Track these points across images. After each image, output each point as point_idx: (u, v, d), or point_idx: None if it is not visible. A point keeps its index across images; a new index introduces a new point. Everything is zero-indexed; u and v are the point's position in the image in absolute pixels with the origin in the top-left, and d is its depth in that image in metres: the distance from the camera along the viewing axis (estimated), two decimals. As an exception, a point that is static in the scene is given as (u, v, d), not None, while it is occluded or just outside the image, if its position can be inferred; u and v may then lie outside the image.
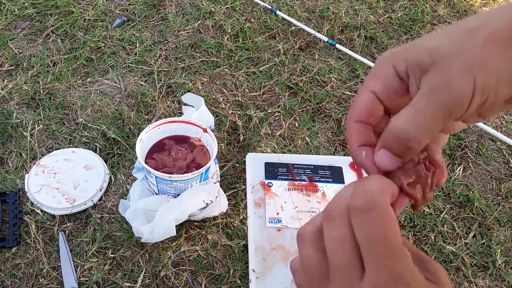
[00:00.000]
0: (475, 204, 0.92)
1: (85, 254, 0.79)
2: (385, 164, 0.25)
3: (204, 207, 0.79)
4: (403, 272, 0.22)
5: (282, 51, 1.22)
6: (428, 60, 0.23)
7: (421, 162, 0.26)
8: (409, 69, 0.25)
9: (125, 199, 0.84)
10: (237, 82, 1.12)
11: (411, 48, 0.25)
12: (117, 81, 1.11)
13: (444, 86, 0.22)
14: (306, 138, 1.01)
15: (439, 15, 1.42)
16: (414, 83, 0.24)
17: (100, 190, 0.87)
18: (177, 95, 1.07)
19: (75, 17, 1.25)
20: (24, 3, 1.28)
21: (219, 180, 0.84)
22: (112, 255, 0.79)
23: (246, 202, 0.87)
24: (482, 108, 0.23)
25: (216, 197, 0.80)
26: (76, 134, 0.98)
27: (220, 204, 0.83)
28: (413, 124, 0.23)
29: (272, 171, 0.92)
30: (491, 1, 1.51)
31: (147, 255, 0.80)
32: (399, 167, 0.26)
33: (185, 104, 0.96)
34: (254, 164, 0.93)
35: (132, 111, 1.03)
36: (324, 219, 0.25)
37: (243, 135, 1.00)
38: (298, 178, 0.91)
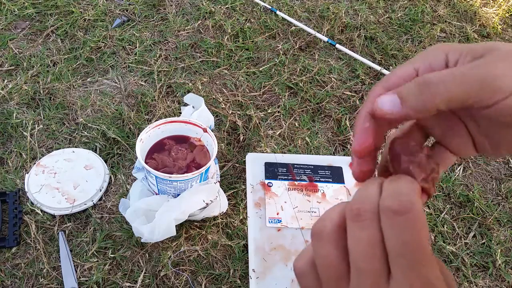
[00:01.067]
0: (475, 204, 0.92)
1: (85, 254, 0.79)
2: (382, 105, 0.24)
3: (204, 207, 0.79)
4: (435, 281, 0.21)
5: (282, 51, 1.22)
6: (483, 52, 0.23)
7: (430, 156, 0.24)
8: (461, 57, 0.23)
9: (125, 198, 0.84)
10: (237, 82, 1.12)
11: (472, 44, 0.24)
12: (117, 81, 1.11)
13: (486, 68, 0.21)
14: (306, 138, 1.01)
15: (439, 15, 1.42)
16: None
17: (100, 190, 0.87)
18: (177, 95, 1.07)
19: (75, 17, 1.25)
20: (24, 3, 1.28)
21: (219, 180, 0.84)
22: (112, 255, 0.79)
23: (246, 202, 0.87)
24: (506, 115, 0.22)
25: (216, 197, 0.80)
26: (76, 134, 0.98)
27: (220, 204, 0.83)
28: (442, 82, 0.22)
29: (272, 171, 0.92)
30: (491, 1, 1.51)
31: (147, 255, 0.80)
32: (411, 161, 0.24)
33: (185, 104, 0.96)
34: (254, 164, 0.93)
35: (132, 111, 1.03)
36: (351, 218, 0.23)
37: (243, 135, 1.00)
38: (298, 178, 0.91)
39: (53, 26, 1.23)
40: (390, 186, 0.23)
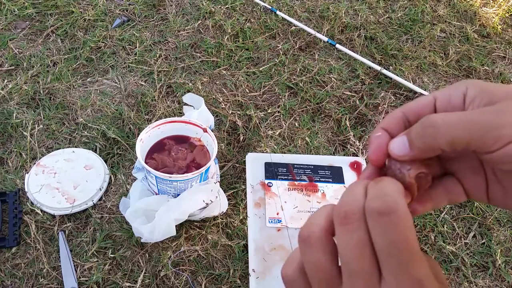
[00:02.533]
0: (475, 204, 0.92)
1: (85, 254, 0.79)
2: (393, 149, 0.25)
3: (204, 207, 0.79)
4: (424, 279, 0.22)
5: (282, 51, 1.22)
6: (502, 96, 0.23)
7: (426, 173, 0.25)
8: (477, 98, 0.24)
9: (126, 197, 0.84)
10: (237, 82, 1.12)
11: (495, 84, 0.24)
12: (117, 81, 1.11)
13: (494, 115, 0.22)
14: (306, 138, 1.01)
15: (439, 15, 1.42)
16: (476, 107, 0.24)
17: (100, 190, 0.87)
18: (177, 95, 1.07)
19: (75, 17, 1.25)
20: (24, 3, 1.28)
21: (219, 180, 0.84)
22: (112, 255, 0.79)
23: (246, 202, 0.87)
24: (507, 162, 0.22)
25: (216, 197, 0.80)
26: (76, 134, 0.97)
27: (220, 204, 0.83)
28: (446, 124, 0.23)
29: (272, 171, 0.92)
30: (491, 1, 1.51)
31: (147, 255, 0.80)
32: (402, 166, 0.25)
33: (186, 104, 0.96)
34: (254, 164, 0.93)
35: (132, 111, 1.03)
36: (339, 222, 0.23)
37: (243, 135, 1.00)
38: (298, 178, 0.91)
39: (53, 26, 1.23)
40: (374, 188, 0.23)
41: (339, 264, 0.24)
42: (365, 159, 0.97)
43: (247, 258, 0.79)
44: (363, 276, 0.22)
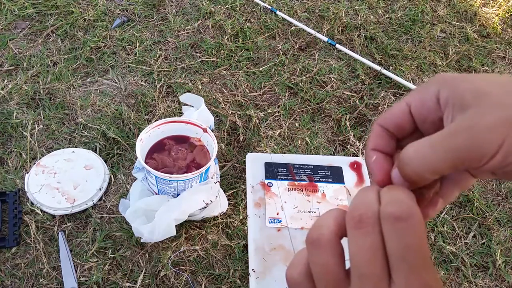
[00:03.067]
0: (475, 204, 0.92)
1: (85, 254, 0.79)
2: (394, 179, 0.25)
3: (204, 207, 0.79)
4: (433, 284, 0.22)
5: (282, 51, 1.22)
6: (472, 101, 0.23)
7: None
8: (450, 100, 0.24)
9: (125, 199, 0.84)
10: (237, 82, 1.12)
11: (466, 79, 0.24)
12: (117, 81, 1.11)
13: (469, 133, 0.22)
14: (306, 138, 1.01)
15: (439, 15, 1.42)
16: (449, 116, 0.24)
17: (100, 190, 0.87)
18: (177, 95, 1.07)
19: (75, 17, 1.25)
20: (24, 3, 1.28)
21: (219, 180, 0.84)
22: (112, 255, 0.79)
23: (246, 202, 0.87)
24: (499, 169, 0.22)
25: (216, 197, 0.80)
26: (76, 134, 0.97)
27: (220, 204, 0.83)
28: (420, 157, 0.23)
29: (272, 171, 0.92)
30: (491, 1, 1.51)
31: (147, 255, 0.80)
32: None
33: (185, 104, 0.96)
34: (254, 164, 0.93)
35: (132, 111, 1.03)
36: (353, 225, 0.23)
37: (243, 135, 1.00)
38: (298, 178, 0.91)
39: (53, 26, 1.23)
40: (388, 194, 0.23)
41: (346, 267, 0.24)
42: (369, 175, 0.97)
43: (247, 258, 0.79)
44: (373, 280, 0.22)
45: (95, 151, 0.94)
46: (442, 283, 0.22)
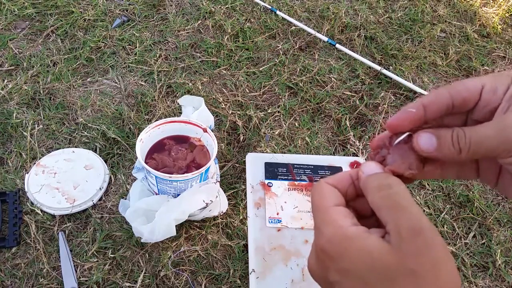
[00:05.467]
0: (475, 204, 0.92)
1: (85, 254, 0.79)
2: (420, 142, 0.28)
3: (204, 207, 0.79)
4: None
5: (282, 51, 1.22)
6: None
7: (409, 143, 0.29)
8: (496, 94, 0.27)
9: (125, 199, 0.84)
10: (237, 82, 1.12)
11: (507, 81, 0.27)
12: (117, 81, 1.11)
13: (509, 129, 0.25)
14: (306, 138, 1.01)
15: (439, 15, 1.42)
16: (505, 108, 0.26)
17: (100, 190, 0.87)
18: (177, 95, 1.07)
19: (75, 17, 1.25)
20: (24, 3, 1.28)
21: (219, 180, 0.84)
22: (112, 255, 0.79)
23: (246, 202, 0.87)
24: None
25: (216, 197, 0.80)
26: (76, 134, 0.97)
27: (220, 204, 0.83)
28: (472, 139, 0.26)
29: (272, 171, 0.92)
30: (491, 1, 1.51)
31: (147, 255, 0.80)
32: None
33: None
34: (254, 164, 0.93)
35: (132, 111, 1.03)
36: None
37: (243, 135, 1.00)
38: (298, 178, 0.91)
39: (53, 26, 1.23)
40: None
41: None
42: (365, 158, 0.97)
43: (247, 258, 0.79)
44: None
45: (95, 151, 0.94)
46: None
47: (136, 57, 1.16)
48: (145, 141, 0.79)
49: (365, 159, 0.38)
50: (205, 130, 0.81)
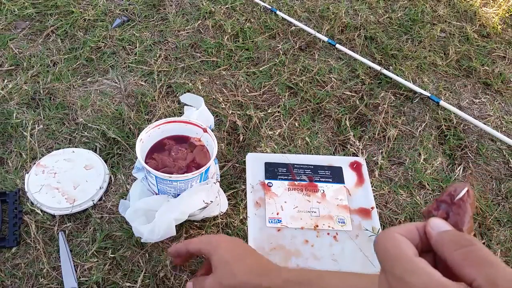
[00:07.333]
0: (475, 204, 0.92)
1: (85, 254, 0.79)
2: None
3: (204, 207, 0.79)
4: None
5: (282, 51, 1.22)
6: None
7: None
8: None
9: (125, 199, 0.84)
10: (237, 82, 1.12)
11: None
12: (117, 81, 1.11)
13: None
14: (306, 138, 1.01)
15: (439, 15, 1.42)
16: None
17: (100, 190, 0.87)
18: (177, 95, 1.07)
19: (75, 17, 1.25)
20: (24, 3, 1.28)
21: (219, 180, 0.84)
22: (112, 255, 0.79)
23: (246, 202, 0.87)
24: None
25: (216, 197, 0.80)
26: (76, 134, 0.98)
27: (220, 204, 0.83)
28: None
29: (272, 171, 0.92)
30: (491, 1, 1.51)
31: (147, 255, 0.80)
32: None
33: (186, 104, 0.96)
34: (254, 164, 0.93)
35: (132, 111, 1.03)
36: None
37: (243, 135, 1.00)
38: (298, 178, 0.91)
39: (53, 26, 1.23)
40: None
41: None
42: (422, 213, 0.97)
43: (247, 258, 0.79)
44: None
45: (95, 151, 0.94)
46: None
47: (136, 57, 1.16)
48: (145, 141, 0.79)
49: (422, 214, 0.41)
50: (205, 130, 0.81)
